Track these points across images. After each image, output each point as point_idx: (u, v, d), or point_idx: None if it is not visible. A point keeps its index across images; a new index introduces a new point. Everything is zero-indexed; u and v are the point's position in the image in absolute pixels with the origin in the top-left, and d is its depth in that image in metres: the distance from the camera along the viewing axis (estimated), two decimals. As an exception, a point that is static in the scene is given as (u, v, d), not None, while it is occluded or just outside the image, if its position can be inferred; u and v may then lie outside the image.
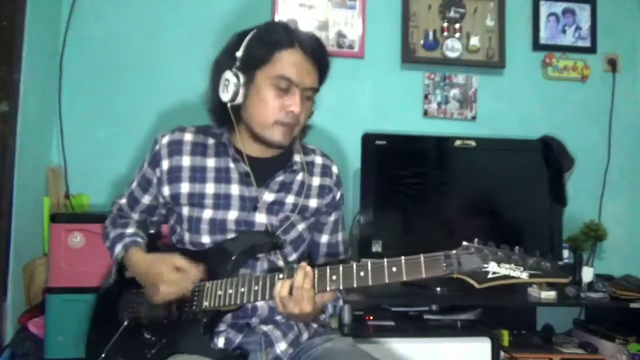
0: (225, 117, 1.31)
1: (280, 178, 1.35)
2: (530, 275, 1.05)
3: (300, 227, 1.37)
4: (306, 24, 2.43)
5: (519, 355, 2.04)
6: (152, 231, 1.48)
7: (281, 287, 1.16)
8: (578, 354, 2.13)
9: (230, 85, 1.26)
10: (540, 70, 2.61)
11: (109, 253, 1.42)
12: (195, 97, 2.29)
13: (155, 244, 1.44)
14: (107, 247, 1.41)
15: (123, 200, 1.44)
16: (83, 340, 1.39)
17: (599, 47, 2.63)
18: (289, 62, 1.26)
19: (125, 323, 1.31)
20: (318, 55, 1.30)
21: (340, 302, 1.44)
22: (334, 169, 1.45)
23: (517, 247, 1.08)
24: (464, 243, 1.10)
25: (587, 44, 2.63)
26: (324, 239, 1.46)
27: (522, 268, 1.05)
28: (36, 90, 2.04)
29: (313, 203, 1.39)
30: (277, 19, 2.38)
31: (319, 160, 1.44)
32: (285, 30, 1.29)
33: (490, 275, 1.06)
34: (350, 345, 1.33)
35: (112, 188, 2.24)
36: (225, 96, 1.27)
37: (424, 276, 1.09)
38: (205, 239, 1.30)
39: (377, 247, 2.13)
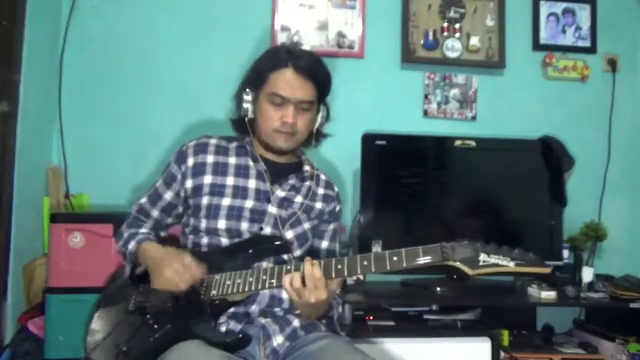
0: (243, 128, 1.53)
1: (291, 181, 1.52)
2: (516, 265, 1.19)
3: (306, 225, 1.51)
4: (306, 24, 2.43)
5: (519, 355, 2.04)
6: (162, 234, 1.60)
7: (292, 280, 1.25)
8: (578, 354, 2.12)
9: (244, 102, 1.49)
10: (540, 70, 2.61)
11: (120, 255, 1.54)
12: (195, 95, 2.33)
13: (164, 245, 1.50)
14: (120, 246, 1.52)
15: (144, 199, 1.56)
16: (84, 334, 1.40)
17: (599, 47, 2.63)
18: (281, 81, 1.44)
19: (131, 308, 1.34)
20: (310, 72, 1.45)
21: (340, 306, 1.55)
22: (335, 188, 1.62)
23: (504, 245, 1.22)
24: (458, 238, 1.24)
25: (587, 44, 2.62)
26: (325, 244, 1.57)
27: (508, 258, 1.20)
28: (36, 90, 2.04)
29: (318, 205, 1.54)
30: (277, 19, 2.39)
31: (323, 177, 1.61)
32: (280, 53, 1.47)
33: (481, 264, 1.20)
34: (345, 343, 1.36)
35: (112, 188, 2.25)
36: (241, 111, 1.50)
37: (421, 262, 1.23)
38: (222, 224, 1.42)
39: (377, 247, 2.13)
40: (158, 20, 2.36)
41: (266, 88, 1.46)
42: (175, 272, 1.31)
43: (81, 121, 2.28)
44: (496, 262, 1.19)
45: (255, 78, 1.49)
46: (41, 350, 1.85)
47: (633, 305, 2.08)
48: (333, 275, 1.27)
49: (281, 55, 1.46)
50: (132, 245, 1.47)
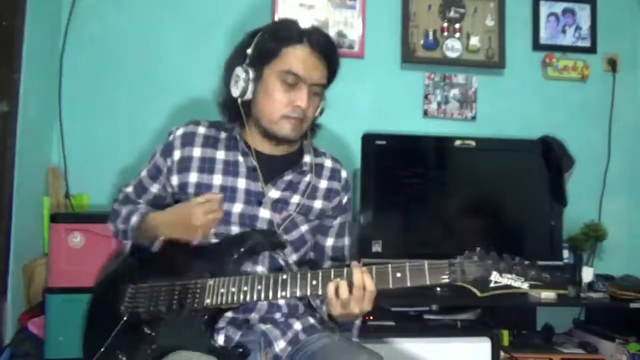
0: (236, 113, 1.33)
1: (288, 177, 1.35)
2: (531, 286, 1.09)
3: (303, 228, 1.37)
4: (306, 24, 2.42)
5: (519, 355, 2.04)
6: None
7: (339, 289, 1.13)
8: (578, 354, 2.13)
9: (240, 81, 1.29)
10: (540, 70, 2.61)
11: (118, 235, 1.40)
12: (196, 95, 2.33)
13: None
14: (119, 224, 1.39)
15: (129, 189, 1.44)
16: (80, 337, 1.38)
17: (599, 47, 2.63)
18: (296, 58, 1.27)
19: (125, 318, 1.30)
20: (327, 52, 1.31)
21: None
22: (343, 174, 1.45)
23: (517, 258, 1.11)
24: (467, 252, 1.12)
25: (587, 44, 2.62)
26: (329, 242, 1.44)
27: (523, 278, 1.09)
28: (36, 90, 2.04)
29: (318, 204, 1.38)
30: (277, 18, 2.38)
31: (328, 163, 1.44)
32: (295, 27, 1.31)
33: (492, 285, 1.09)
34: (346, 340, 1.34)
35: (112, 188, 2.24)
36: (235, 91, 1.30)
37: (427, 283, 1.12)
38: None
39: (377, 247, 2.13)
40: (158, 20, 2.36)
41: (276, 64, 1.28)
42: (203, 215, 1.21)
43: (81, 121, 2.28)
44: (509, 283, 1.08)
45: (262, 52, 1.29)
46: (41, 350, 1.85)
47: (633, 305, 2.09)
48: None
49: (295, 29, 1.30)
50: (134, 219, 1.34)
